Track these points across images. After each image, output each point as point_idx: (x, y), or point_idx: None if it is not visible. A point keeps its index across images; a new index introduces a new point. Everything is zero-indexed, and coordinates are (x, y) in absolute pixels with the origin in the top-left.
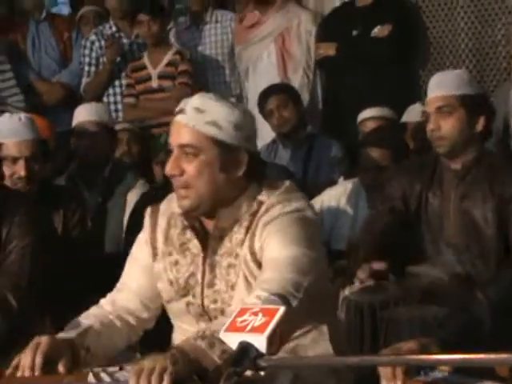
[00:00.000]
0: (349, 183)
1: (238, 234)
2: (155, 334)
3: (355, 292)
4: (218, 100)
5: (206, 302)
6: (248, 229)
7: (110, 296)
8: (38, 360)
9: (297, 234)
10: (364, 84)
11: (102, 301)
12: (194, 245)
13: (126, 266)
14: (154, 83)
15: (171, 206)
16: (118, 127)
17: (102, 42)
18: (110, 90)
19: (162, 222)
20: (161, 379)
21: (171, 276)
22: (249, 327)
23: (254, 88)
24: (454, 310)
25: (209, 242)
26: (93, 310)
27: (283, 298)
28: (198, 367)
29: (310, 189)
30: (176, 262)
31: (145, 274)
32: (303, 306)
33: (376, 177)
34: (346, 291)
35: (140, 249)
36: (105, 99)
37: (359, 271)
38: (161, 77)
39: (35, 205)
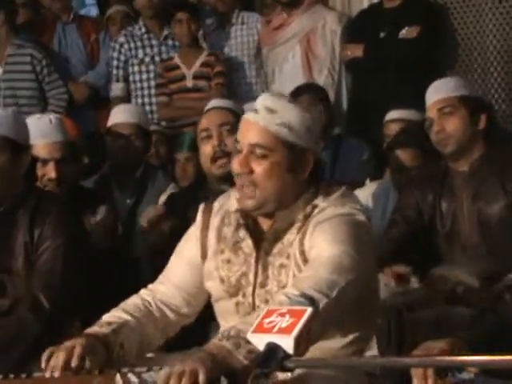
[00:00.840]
0: (377, 184)
1: (290, 235)
2: (190, 333)
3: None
4: (290, 101)
5: (257, 302)
6: (300, 229)
7: (151, 286)
8: (74, 363)
9: (344, 234)
10: (391, 86)
11: (143, 291)
12: (247, 244)
13: (172, 259)
14: (189, 83)
15: (226, 203)
16: None
17: (132, 44)
18: (139, 92)
19: (215, 221)
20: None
21: (223, 274)
22: (276, 328)
23: (280, 90)
24: (482, 310)
25: (263, 242)
26: (132, 299)
27: (310, 300)
28: (225, 368)
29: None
30: (228, 261)
31: (190, 270)
32: (338, 306)
33: (408, 177)
34: None
35: (189, 244)
36: (133, 100)
37: (382, 275)
38: (196, 77)
39: (67, 206)
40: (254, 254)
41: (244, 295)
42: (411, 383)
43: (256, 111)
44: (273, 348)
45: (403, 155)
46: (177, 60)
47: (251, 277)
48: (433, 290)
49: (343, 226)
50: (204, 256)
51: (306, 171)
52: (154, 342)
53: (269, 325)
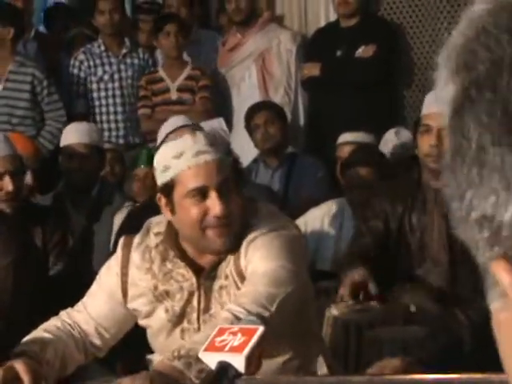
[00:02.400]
0: (333, 203)
1: (225, 255)
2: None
3: (341, 310)
4: (202, 133)
5: (202, 327)
6: (234, 250)
7: (69, 311)
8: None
9: (277, 248)
10: (347, 105)
11: (62, 313)
12: (178, 273)
13: (92, 287)
14: (173, 95)
15: (145, 240)
16: None
17: (91, 62)
18: (97, 110)
19: (135, 258)
20: None
21: (168, 304)
22: (227, 347)
23: (238, 110)
24: (435, 330)
25: (203, 269)
26: (52, 321)
27: (261, 318)
28: None
29: (292, 208)
30: (167, 292)
31: (108, 303)
32: (278, 318)
33: (363, 195)
34: (332, 309)
35: (109, 277)
36: (91, 117)
37: (340, 288)
38: (180, 89)
39: (16, 223)
40: (194, 281)
41: (189, 321)
42: None
43: (207, 151)
44: (224, 367)
45: (360, 172)
46: (161, 73)
47: (195, 303)
48: (390, 309)
49: (275, 241)
50: (125, 293)
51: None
52: (75, 361)
53: (220, 343)
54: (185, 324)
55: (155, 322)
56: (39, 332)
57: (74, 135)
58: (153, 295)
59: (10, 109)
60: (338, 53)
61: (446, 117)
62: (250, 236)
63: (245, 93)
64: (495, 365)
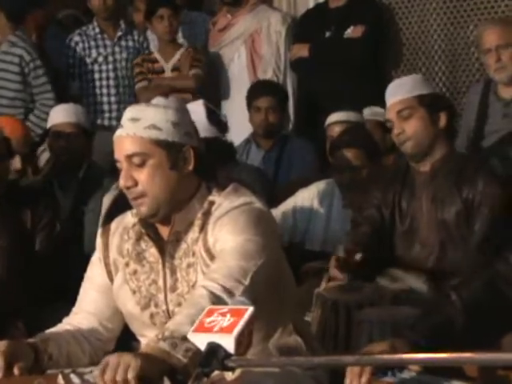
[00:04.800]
0: (322, 184)
1: (192, 233)
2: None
3: (330, 290)
4: (151, 105)
5: (170, 307)
6: (202, 227)
7: (67, 319)
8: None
9: (244, 223)
10: (336, 85)
11: (63, 321)
12: (151, 253)
13: (82, 287)
14: (168, 75)
15: (123, 221)
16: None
17: (86, 44)
18: (91, 91)
19: (114, 240)
20: (125, 373)
21: (133, 285)
22: (217, 327)
23: (226, 90)
24: (426, 311)
25: (166, 247)
26: (53, 328)
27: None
28: (165, 367)
29: (282, 190)
30: (134, 272)
31: (100, 294)
32: (252, 292)
33: (351, 177)
34: (321, 288)
35: (94, 269)
36: (85, 99)
37: (330, 263)
38: (175, 69)
39: (5, 207)
40: (159, 261)
41: (156, 305)
42: None
43: (121, 126)
44: (214, 347)
45: (347, 154)
46: (156, 55)
47: (161, 283)
48: (380, 289)
49: (241, 217)
50: (110, 277)
51: (189, 164)
52: (81, 363)
53: (210, 324)
54: (152, 308)
55: (126, 306)
56: (42, 334)
57: (60, 115)
58: (123, 275)
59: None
60: (327, 33)
61: None
62: (216, 213)
63: (234, 73)
64: (486, 344)
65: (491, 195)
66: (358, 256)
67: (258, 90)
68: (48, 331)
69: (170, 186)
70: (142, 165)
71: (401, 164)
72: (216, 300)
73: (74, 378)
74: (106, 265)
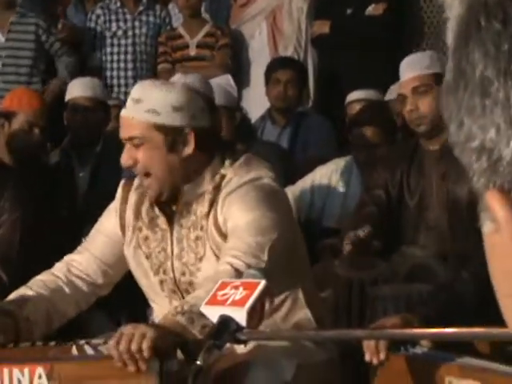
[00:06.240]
0: (341, 161)
1: (202, 206)
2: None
3: (344, 265)
4: (155, 86)
5: (176, 275)
6: (212, 202)
7: (66, 258)
8: None
9: (254, 199)
10: (357, 63)
11: (57, 264)
12: (163, 221)
13: (92, 231)
14: (192, 51)
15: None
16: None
17: (107, 17)
18: (108, 65)
19: (133, 196)
20: (140, 343)
21: (146, 251)
22: (229, 301)
23: (247, 66)
24: (438, 287)
25: (175, 216)
26: (42, 275)
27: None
28: (179, 339)
29: (299, 166)
30: (146, 238)
31: (108, 240)
32: (270, 266)
33: (369, 154)
34: (335, 265)
35: (108, 217)
36: (103, 73)
37: (345, 239)
38: (199, 46)
39: (23, 180)
40: (168, 229)
41: (165, 272)
42: None
43: (125, 105)
44: (225, 320)
45: (365, 132)
46: (180, 30)
47: (168, 250)
48: (393, 265)
49: (251, 193)
50: (123, 230)
51: (189, 147)
52: (64, 315)
53: (222, 297)
54: (161, 275)
55: (139, 268)
56: (21, 290)
57: (78, 89)
58: (136, 239)
59: (15, 59)
60: (348, 11)
61: (451, 32)
62: (226, 189)
63: (254, 49)
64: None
65: None
66: (361, 232)
67: (278, 63)
68: (30, 286)
69: (170, 168)
70: (140, 146)
71: (408, 143)
72: (240, 277)
73: (88, 349)
74: (121, 218)
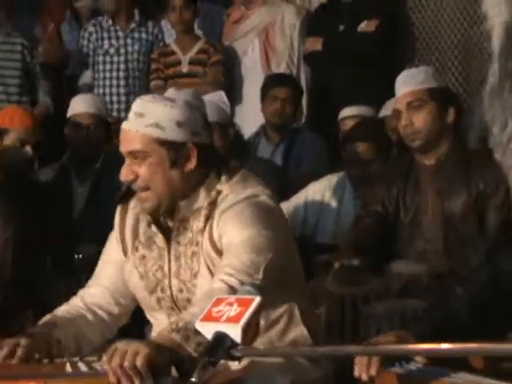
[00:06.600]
0: (333, 177)
1: (198, 222)
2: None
3: (336, 281)
4: (158, 101)
5: (174, 293)
6: (207, 218)
7: (80, 292)
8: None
9: (250, 217)
10: (349, 79)
11: (73, 298)
12: (160, 239)
13: (99, 263)
14: (185, 68)
15: None
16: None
17: (99, 34)
18: (101, 82)
19: (130, 219)
20: (133, 360)
21: (141, 270)
22: (224, 317)
23: (239, 83)
24: (432, 303)
25: (172, 233)
26: (62, 307)
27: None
28: (174, 357)
29: (293, 183)
30: (143, 257)
31: (115, 269)
32: (265, 285)
33: (362, 170)
34: (328, 282)
35: (111, 245)
36: (95, 90)
37: (336, 263)
38: (192, 62)
39: (15, 197)
40: (166, 247)
41: (162, 290)
42: None
43: (127, 118)
44: (220, 337)
45: (358, 148)
46: (173, 46)
47: (166, 268)
48: (386, 282)
49: (247, 210)
50: (125, 253)
51: (191, 163)
52: (91, 342)
53: (217, 314)
54: (159, 293)
55: (136, 288)
56: (47, 317)
57: (80, 105)
58: (133, 259)
59: (2, 79)
60: (341, 27)
61: (496, 38)
62: (222, 206)
63: (247, 66)
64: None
65: (504, 185)
66: (355, 261)
67: (275, 80)
68: (56, 313)
69: (171, 183)
70: (142, 160)
71: (404, 158)
72: (234, 294)
73: (81, 366)
74: (122, 242)
